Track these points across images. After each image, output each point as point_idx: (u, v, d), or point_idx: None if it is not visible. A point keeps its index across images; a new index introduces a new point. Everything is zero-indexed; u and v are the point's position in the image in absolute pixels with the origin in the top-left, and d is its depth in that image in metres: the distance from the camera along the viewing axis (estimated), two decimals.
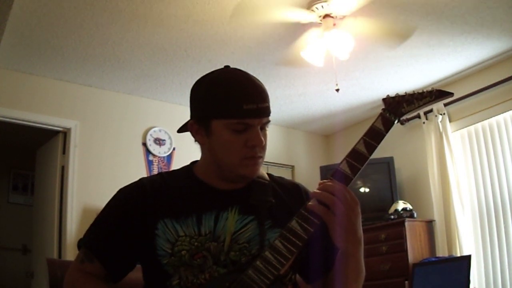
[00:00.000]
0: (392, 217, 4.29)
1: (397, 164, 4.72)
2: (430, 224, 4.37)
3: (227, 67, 1.27)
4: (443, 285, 3.72)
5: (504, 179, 4.04)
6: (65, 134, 4.16)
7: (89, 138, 4.19)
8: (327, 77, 4.17)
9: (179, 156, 4.52)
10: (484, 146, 4.23)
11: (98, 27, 3.37)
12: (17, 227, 5.54)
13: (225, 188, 1.24)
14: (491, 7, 3.32)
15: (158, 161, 4.50)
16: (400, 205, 4.36)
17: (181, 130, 1.32)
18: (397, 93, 1.15)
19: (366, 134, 1.12)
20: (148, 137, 4.49)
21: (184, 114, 1.28)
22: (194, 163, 1.33)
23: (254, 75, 1.23)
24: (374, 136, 1.11)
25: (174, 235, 1.16)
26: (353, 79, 4.36)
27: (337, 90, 3.54)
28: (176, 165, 4.41)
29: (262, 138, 1.19)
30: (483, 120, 4.24)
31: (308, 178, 5.16)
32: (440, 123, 4.45)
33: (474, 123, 4.30)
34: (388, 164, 4.66)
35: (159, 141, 4.54)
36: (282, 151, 5.37)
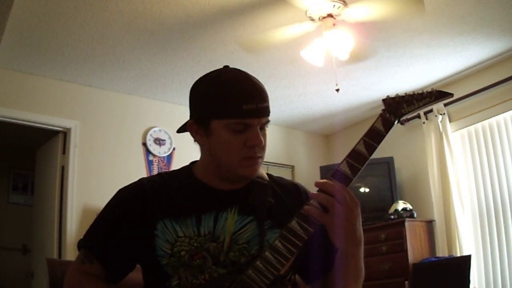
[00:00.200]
0: (392, 217, 4.29)
1: (397, 164, 4.72)
2: (430, 224, 4.37)
3: (226, 67, 1.27)
4: (443, 285, 3.72)
5: (504, 179, 4.04)
6: (65, 134, 4.16)
7: (89, 138, 4.19)
8: (327, 77, 4.17)
9: (179, 156, 4.52)
10: (484, 146, 4.23)
11: (98, 27, 3.37)
12: (17, 227, 5.54)
13: (225, 188, 1.24)
14: (491, 7, 3.32)
15: (158, 161, 4.50)
16: (400, 205, 4.36)
17: (180, 130, 1.32)
18: (397, 94, 1.16)
19: (366, 135, 1.12)
20: (148, 137, 4.49)
21: (184, 114, 1.28)
22: (193, 163, 1.33)
23: (253, 75, 1.23)
24: (374, 136, 1.11)
25: (173, 236, 1.16)
26: (353, 79, 4.36)
27: (337, 90, 3.53)
28: (176, 165, 4.41)
29: (262, 138, 1.19)
30: (483, 120, 4.24)
31: (308, 178, 5.16)
32: (440, 123, 4.45)
33: (474, 123, 4.30)
34: (388, 164, 4.66)
35: (159, 141, 4.54)
36: (282, 151, 5.37)
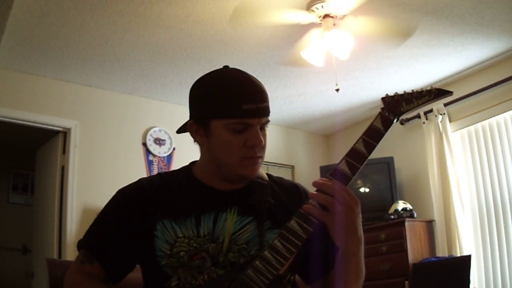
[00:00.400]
0: (392, 217, 4.29)
1: (397, 164, 4.72)
2: (430, 224, 4.37)
3: (226, 67, 1.26)
4: (443, 285, 3.72)
5: (504, 179, 4.04)
6: (65, 134, 4.16)
7: (89, 138, 4.19)
8: (327, 77, 4.17)
9: (179, 156, 4.52)
10: (484, 146, 4.23)
11: (98, 27, 3.37)
12: (17, 227, 5.54)
13: (224, 188, 1.24)
14: (491, 7, 3.32)
15: (158, 161, 4.50)
16: (400, 205, 4.36)
17: (180, 130, 1.32)
18: (396, 92, 1.15)
19: (365, 133, 1.11)
20: (148, 137, 4.49)
21: (184, 114, 1.28)
22: (193, 163, 1.33)
23: (254, 75, 1.22)
24: (373, 135, 1.11)
25: (172, 236, 1.16)
26: (353, 79, 4.36)
27: (337, 90, 3.53)
28: (176, 165, 4.40)
29: (262, 138, 1.18)
30: (483, 120, 4.23)
31: (308, 178, 5.14)
32: (440, 123, 4.44)
33: (474, 123, 4.30)
34: (388, 164, 4.66)
35: (159, 141, 4.54)
36: (282, 151, 5.37)
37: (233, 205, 1.21)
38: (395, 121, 1.12)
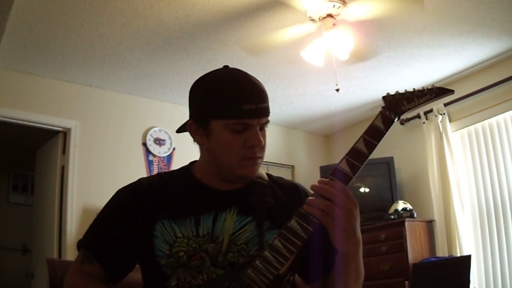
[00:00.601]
0: (392, 217, 4.29)
1: (397, 164, 4.72)
2: (430, 224, 4.37)
3: (226, 67, 1.26)
4: (443, 285, 3.72)
5: (504, 179, 4.03)
6: (65, 134, 4.16)
7: (89, 138, 4.19)
8: (327, 77, 4.17)
9: (179, 156, 4.52)
10: (484, 146, 4.22)
11: (98, 27, 3.37)
12: (17, 227, 5.54)
13: (224, 188, 1.24)
14: (491, 7, 3.32)
15: (158, 161, 4.50)
16: (400, 205, 4.36)
17: (180, 130, 1.32)
18: (397, 91, 1.14)
19: (366, 133, 1.11)
20: (148, 137, 4.49)
21: (184, 114, 1.28)
22: (193, 163, 1.33)
23: (254, 75, 1.22)
24: (374, 134, 1.10)
25: (172, 236, 1.16)
26: (353, 79, 4.36)
27: (337, 90, 3.53)
28: (176, 165, 4.40)
29: (261, 138, 1.18)
30: (483, 120, 4.23)
31: (308, 178, 5.16)
32: (440, 123, 4.44)
33: (474, 123, 4.30)
34: (388, 164, 4.66)
35: (159, 141, 4.53)
36: (282, 151, 5.37)
37: (232, 205, 1.21)
38: (396, 120, 1.12)
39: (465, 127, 4.37)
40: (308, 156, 5.59)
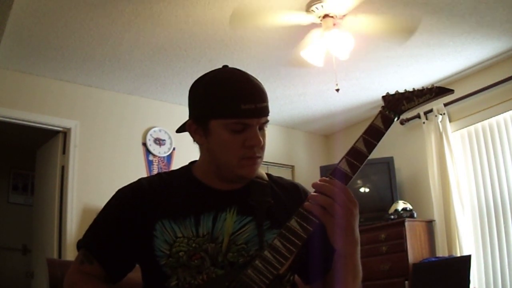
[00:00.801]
0: (392, 217, 4.29)
1: (397, 164, 4.72)
2: (430, 224, 4.37)
3: (225, 66, 1.26)
4: (443, 285, 3.72)
5: (504, 179, 4.03)
6: (65, 134, 4.16)
7: (89, 138, 4.19)
8: (327, 77, 4.17)
9: (179, 156, 4.52)
10: (484, 146, 4.22)
11: (98, 27, 3.37)
12: (17, 227, 5.54)
13: (224, 188, 1.24)
14: (491, 7, 3.32)
15: (158, 161, 4.50)
16: (400, 205, 4.36)
17: (179, 130, 1.32)
18: (396, 91, 1.14)
19: (365, 132, 1.11)
20: (148, 137, 4.49)
21: (184, 114, 1.28)
22: (192, 163, 1.33)
23: (253, 75, 1.22)
24: (373, 134, 1.10)
25: (172, 236, 1.16)
26: (353, 79, 4.36)
27: (337, 90, 3.53)
28: (176, 165, 4.40)
29: (261, 138, 1.18)
30: (483, 120, 4.23)
31: (308, 178, 5.15)
32: (440, 123, 4.44)
33: (474, 123, 4.30)
34: (388, 164, 4.66)
35: (159, 141, 4.53)
36: (282, 151, 5.37)
37: (232, 205, 1.21)
38: (395, 119, 1.12)
39: (465, 127, 4.37)
40: (308, 156, 5.59)
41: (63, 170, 4.09)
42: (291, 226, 1.07)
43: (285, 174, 5.10)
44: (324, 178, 1.09)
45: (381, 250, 4.16)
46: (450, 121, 4.44)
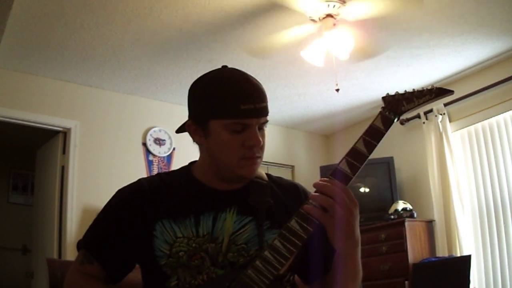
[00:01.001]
0: (392, 217, 4.29)
1: (397, 164, 4.72)
2: (430, 224, 4.37)
3: (225, 67, 1.26)
4: (443, 285, 3.72)
5: (504, 179, 4.03)
6: (65, 134, 4.16)
7: (89, 138, 4.19)
8: (327, 77, 4.17)
9: (179, 156, 4.52)
10: (484, 146, 4.22)
11: (98, 27, 3.37)
12: (17, 227, 5.54)
13: (224, 188, 1.24)
14: (491, 7, 3.32)
15: (158, 161, 4.50)
16: (400, 205, 4.36)
17: (179, 130, 1.32)
18: (396, 92, 1.14)
19: (365, 133, 1.11)
20: (148, 137, 4.49)
21: (184, 114, 1.28)
22: (192, 163, 1.33)
23: (253, 75, 1.22)
24: (373, 134, 1.11)
25: (172, 236, 1.16)
26: (353, 79, 4.36)
27: (337, 90, 3.53)
28: (176, 165, 4.40)
29: (260, 138, 1.18)
30: (483, 120, 4.23)
31: (308, 178, 5.15)
32: (440, 123, 4.44)
33: (474, 123, 4.30)
34: (388, 164, 4.66)
35: (159, 141, 4.53)
36: (282, 151, 5.37)
37: (232, 205, 1.21)
38: (395, 120, 1.12)
39: (465, 127, 4.37)
40: (308, 156, 5.59)
41: (63, 170, 4.09)
42: (291, 227, 1.07)
43: (285, 174, 5.10)
44: (324, 178, 1.09)
45: (381, 250, 4.16)
46: (450, 121, 4.44)
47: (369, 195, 4.69)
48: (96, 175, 4.12)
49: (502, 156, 4.07)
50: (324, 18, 3.25)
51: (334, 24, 3.25)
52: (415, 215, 4.30)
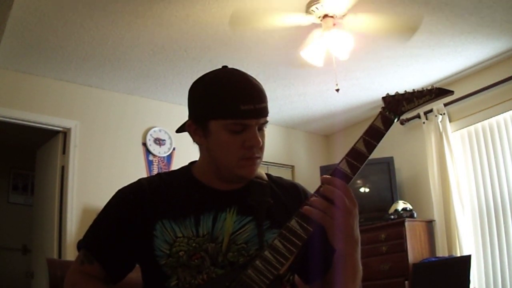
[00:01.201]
0: (392, 217, 4.29)
1: (397, 164, 4.72)
2: (430, 224, 4.37)
3: (225, 67, 1.26)
4: (443, 285, 3.72)
5: (504, 179, 4.03)
6: (65, 134, 4.16)
7: (89, 138, 4.19)
8: (327, 77, 4.17)
9: (179, 156, 4.52)
10: (484, 146, 4.23)
11: (98, 27, 3.37)
12: (17, 227, 5.54)
13: (224, 188, 1.24)
14: (491, 7, 3.32)
15: (158, 161, 4.50)
16: (400, 205, 4.36)
17: (179, 130, 1.32)
18: (396, 92, 1.15)
19: (365, 133, 1.11)
20: (148, 137, 4.49)
21: (184, 114, 1.28)
22: (192, 163, 1.33)
23: (253, 75, 1.22)
24: (373, 135, 1.11)
25: (172, 236, 1.16)
26: (353, 79, 4.36)
27: (337, 90, 3.53)
28: (176, 165, 4.40)
29: (260, 139, 1.18)
30: (483, 120, 4.23)
31: (308, 178, 5.16)
32: (440, 123, 4.44)
33: (474, 123, 4.30)
34: (388, 164, 4.66)
35: (159, 141, 4.53)
36: (282, 151, 5.37)
37: (232, 205, 1.21)
38: (395, 120, 1.12)
39: (465, 127, 4.37)
40: (308, 156, 5.59)
41: (63, 170, 4.09)
42: (291, 226, 1.07)
43: (285, 174, 5.10)
44: (325, 176, 1.09)
45: (381, 250, 4.16)
46: (450, 121, 4.44)
47: (369, 195, 4.69)
48: (96, 175, 4.12)
49: (502, 156, 4.07)
50: (324, 18, 3.25)
51: (334, 24, 3.25)
52: (415, 215, 4.30)
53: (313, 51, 3.37)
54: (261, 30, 3.48)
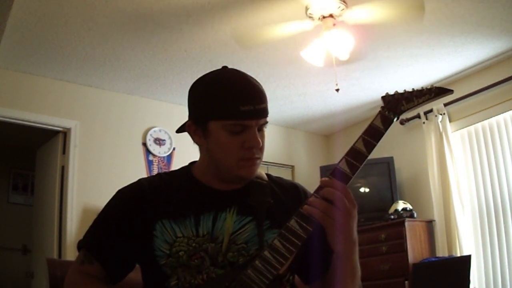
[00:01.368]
0: (392, 217, 4.29)
1: (397, 164, 4.72)
2: (430, 224, 4.37)
3: (225, 67, 1.26)
4: (443, 285, 3.72)
5: (504, 179, 4.03)
6: (65, 134, 4.16)
7: (89, 138, 4.19)
8: (327, 77, 4.17)
9: (179, 156, 4.52)
10: (484, 146, 4.22)
11: (98, 27, 3.37)
12: (17, 227, 5.54)
13: (223, 188, 1.24)
14: (491, 7, 3.32)
15: (158, 161, 4.50)
16: (400, 205, 4.36)
17: (179, 130, 1.32)
18: (396, 91, 1.14)
19: (365, 133, 1.11)
20: (148, 137, 4.49)
21: (184, 114, 1.28)
22: (192, 163, 1.33)
23: (253, 76, 1.22)
24: (373, 134, 1.11)
25: (172, 236, 1.16)
26: (353, 79, 4.36)
27: (337, 90, 3.53)
28: (176, 165, 4.40)
29: (260, 139, 1.18)
30: (483, 120, 4.23)
31: (308, 178, 5.16)
32: (440, 123, 4.44)
33: (474, 123, 4.30)
34: (388, 164, 4.66)
35: (159, 141, 4.53)
36: (282, 151, 5.37)
37: (232, 205, 1.21)
38: (395, 120, 1.12)
39: (465, 127, 4.37)
40: (308, 156, 5.59)
41: (63, 170, 4.09)
42: (291, 226, 1.07)
43: (285, 174, 5.10)
44: (325, 179, 1.09)
45: (381, 250, 4.16)
46: (450, 121, 4.44)
47: (369, 195, 4.69)
48: (96, 175, 4.12)
49: (502, 156, 4.07)
50: (324, 17, 3.25)
51: (334, 24, 3.25)
52: (415, 215, 4.30)
53: (313, 51, 3.37)
54: (261, 30, 3.47)
